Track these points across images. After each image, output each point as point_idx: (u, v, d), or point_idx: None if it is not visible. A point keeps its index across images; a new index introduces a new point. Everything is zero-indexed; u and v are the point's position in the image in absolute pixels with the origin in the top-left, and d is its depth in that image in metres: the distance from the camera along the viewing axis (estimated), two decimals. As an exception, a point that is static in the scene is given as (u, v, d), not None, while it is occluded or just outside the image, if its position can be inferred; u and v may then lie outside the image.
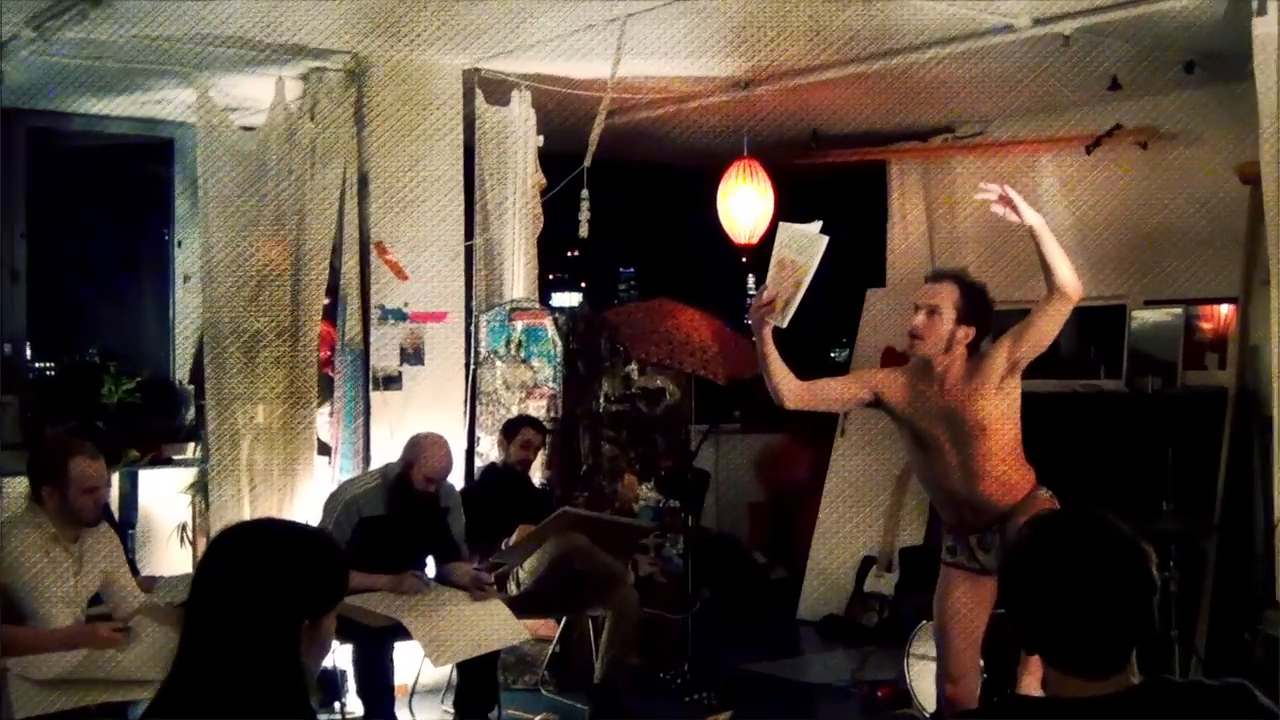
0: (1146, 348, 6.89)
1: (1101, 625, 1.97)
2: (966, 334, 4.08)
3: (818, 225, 3.91)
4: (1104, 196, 7.10)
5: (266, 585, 2.10)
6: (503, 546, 5.80)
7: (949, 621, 4.22)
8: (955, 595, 4.21)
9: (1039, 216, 3.95)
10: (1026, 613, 2.03)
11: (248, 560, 2.13)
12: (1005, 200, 3.96)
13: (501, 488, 6.14)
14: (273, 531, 2.28)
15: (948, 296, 4.09)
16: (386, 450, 6.08)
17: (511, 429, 6.24)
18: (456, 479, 6.10)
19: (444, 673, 5.65)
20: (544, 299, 7.49)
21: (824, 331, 9.84)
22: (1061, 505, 4.01)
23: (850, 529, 7.75)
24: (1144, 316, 6.95)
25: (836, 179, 8.42)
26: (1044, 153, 7.41)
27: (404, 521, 5.30)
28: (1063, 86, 6.60)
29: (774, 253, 3.98)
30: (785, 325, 3.95)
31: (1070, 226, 6.79)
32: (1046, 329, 3.98)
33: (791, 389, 4.13)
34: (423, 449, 5.35)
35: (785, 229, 3.99)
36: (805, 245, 3.90)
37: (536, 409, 6.76)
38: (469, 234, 6.67)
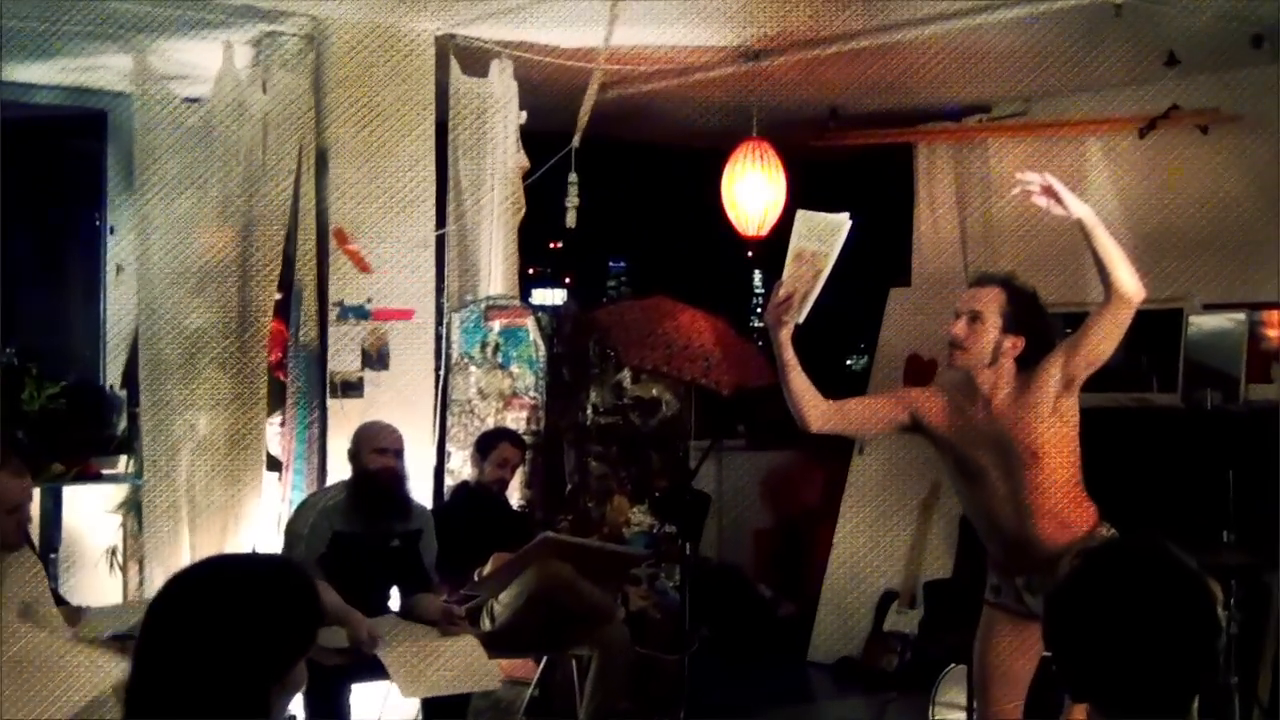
0: (1205, 358, 6.89)
1: (1159, 672, 1.97)
2: (1014, 345, 4.05)
3: (841, 217, 3.91)
4: (1158, 186, 7.11)
5: (231, 649, 2.01)
6: (476, 577, 5.79)
7: (990, 669, 4.21)
8: (998, 640, 4.20)
9: (1088, 208, 3.92)
10: (1075, 656, 2.03)
11: (205, 617, 2.04)
12: (1048, 190, 3.95)
13: (475, 510, 6.13)
14: (233, 576, 2.15)
15: (992, 302, 4.06)
16: (345, 466, 6.06)
17: (486, 444, 6.24)
18: (426, 499, 6.09)
19: (408, 716, 5.64)
20: (524, 296, 7.49)
21: (839, 336, 9.85)
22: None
23: (869, 560, 7.75)
24: (1202, 323, 6.95)
25: (857, 163, 8.43)
26: (1092, 136, 7.43)
27: (370, 538, 5.30)
28: (1113, 62, 6.61)
29: (791, 245, 3.97)
30: (802, 320, 3.94)
31: (1120, 220, 6.78)
32: (1105, 339, 3.95)
33: (817, 410, 4.09)
34: (362, 428, 5.50)
35: (805, 218, 3.98)
36: (827, 233, 3.89)
37: (515, 421, 6.75)
38: (440, 222, 6.66)
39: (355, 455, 5.45)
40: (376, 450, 5.37)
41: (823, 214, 3.93)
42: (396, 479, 5.42)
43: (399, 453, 5.45)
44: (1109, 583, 2.04)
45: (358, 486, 5.39)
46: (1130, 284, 3.87)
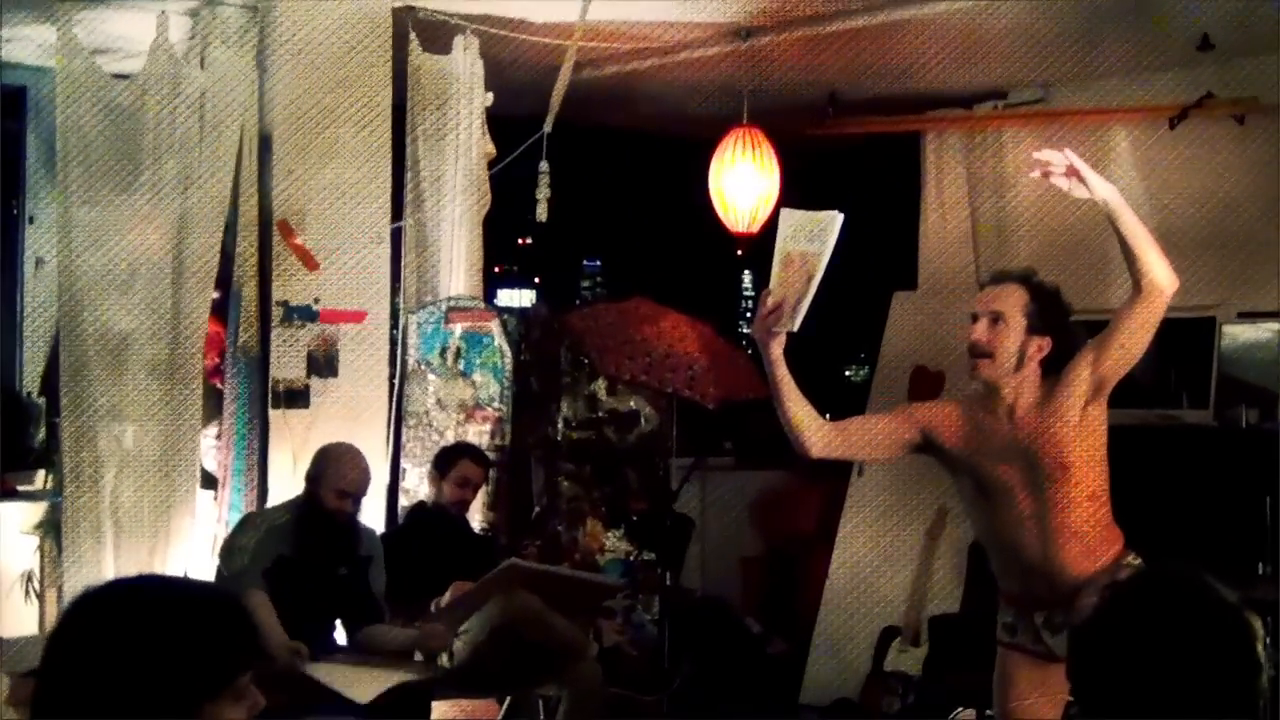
0: (1240, 371, 6.92)
1: (1195, 716, 1.97)
2: (1040, 347, 4.05)
3: (830, 213, 3.90)
4: (1190, 182, 7.13)
5: (143, 682, 1.98)
6: (432, 608, 5.77)
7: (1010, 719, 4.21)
8: (1018, 687, 4.18)
9: (1113, 188, 3.92)
10: (1103, 699, 2.03)
11: (115, 638, 2.00)
12: (1069, 170, 3.95)
13: (431, 534, 6.11)
14: (146, 598, 2.11)
15: (1014, 301, 4.06)
16: (288, 483, 6.04)
17: (446, 460, 6.22)
18: (377, 522, 6.07)
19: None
20: (489, 297, 7.48)
21: (836, 345, 9.86)
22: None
23: (869, 592, 7.75)
24: (1237, 333, 6.98)
25: (858, 154, 8.44)
26: (1117, 126, 7.45)
27: (314, 566, 5.28)
28: (1142, 45, 6.64)
29: (778, 248, 3.95)
30: (796, 329, 3.93)
31: (1148, 218, 6.76)
32: (1136, 335, 3.94)
33: (817, 434, 4.07)
34: (332, 458, 5.42)
35: (789, 218, 3.97)
36: (815, 232, 3.89)
37: (478, 435, 6.74)
38: (397, 215, 6.66)
39: (314, 482, 5.40)
40: (338, 491, 5.34)
41: (809, 212, 3.93)
42: (351, 524, 5.42)
43: (361, 498, 5.44)
44: (1141, 619, 2.04)
45: (307, 518, 5.36)
46: (1162, 272, 3.86)
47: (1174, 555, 2.47)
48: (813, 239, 3.89)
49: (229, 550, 5.42)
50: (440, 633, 5.38)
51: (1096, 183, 3.91)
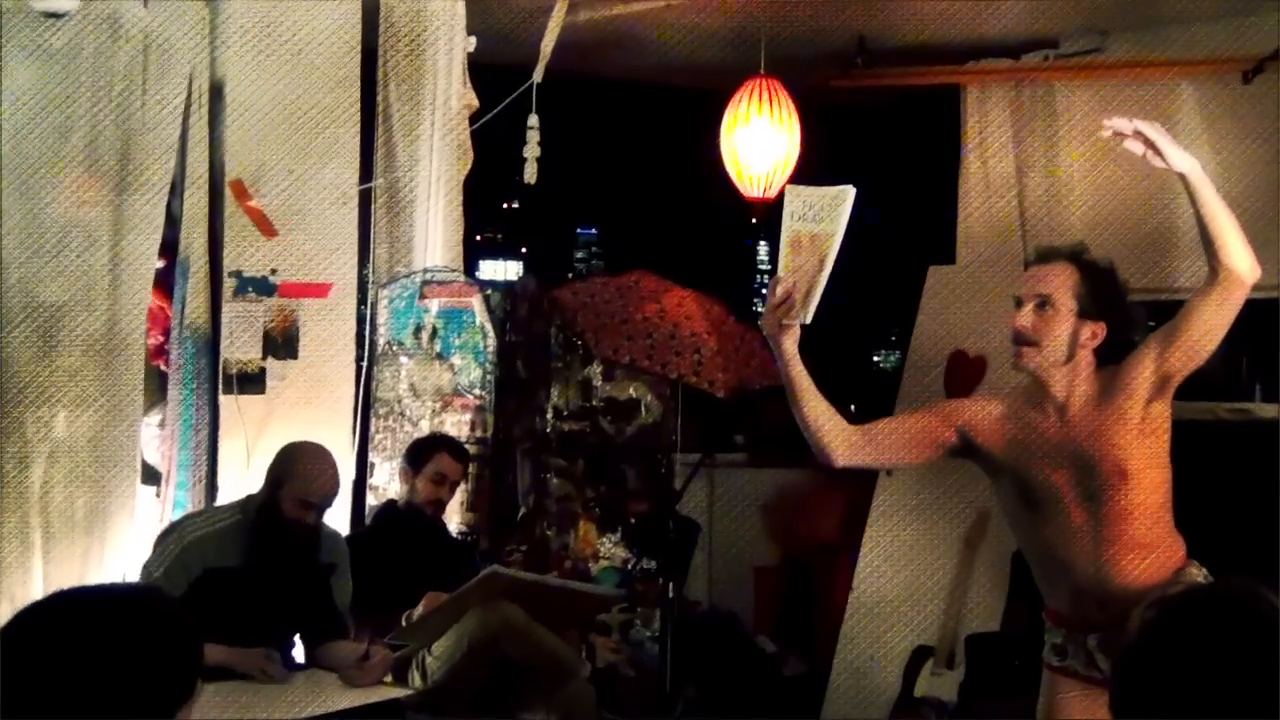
0: (1322, 360, 6.92)
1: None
2: (1094, 334, 4.04)
3: (841, 188, 3.90)
4: (1267, 144, 7.13)
5: (85, 703, 2.01)
6: (404, 621, 5.78)
7: None
8: (1067, 716, 4.20)
9: (1194, 161, 3.90)
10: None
11: (58, 657, 2.04)
12: (1143, 139, 3.94)
13: (403, 537, 6.12)
14: (91, 612, 2.15)
15: (1063, 282, 4.05)
16: (241, 479, 6.05)
17: (420, 454, 6.23)
18: (341, 523, 6.08)
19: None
20: (470, 269, 7.48)
21: (864, 327, 9.87)
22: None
23: (897, 607, 7.76)
24: (1319, 316, 6.98)
25: (890, 110, 8.43)
26: (1184, 80, 7.44)
27: (267, 578, 5.28)
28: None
29: (784, 231, 3.96)
30: (809, 320, 3.94)
31: (1217, 185, 6.80)
32: (1210, 329, 3.91)
33: (841, 439, 4.09)
34: (297, 459, 5.39)
35: (796, 195, 3.98)
36: (825, 209, 3.90)
37: (456, 425, 6.75)
38: (365, 174, 6.65)
39: (274, 485, 5.36)
40: (301, 500, 5.31)
41: (817, 187, 3.93)
42: (311, 540, 5.40)
43: (325, 507, 5.43)
44: (1191, 640, 2.04)
45: (262, 525, 5.33)
46: (1243, 259, 3.83)
47: (1243, 567, 2.47)
48: (822, 218, 3.90)
49: (148, 561, 5.38)
50: (379, 668, 5.34)
51: (1175, 154, 3.88)
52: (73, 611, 2.17)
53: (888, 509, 7.99)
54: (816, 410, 4.05)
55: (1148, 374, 3.98)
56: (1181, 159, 3.88)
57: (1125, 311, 4.10)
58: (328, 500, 5.41)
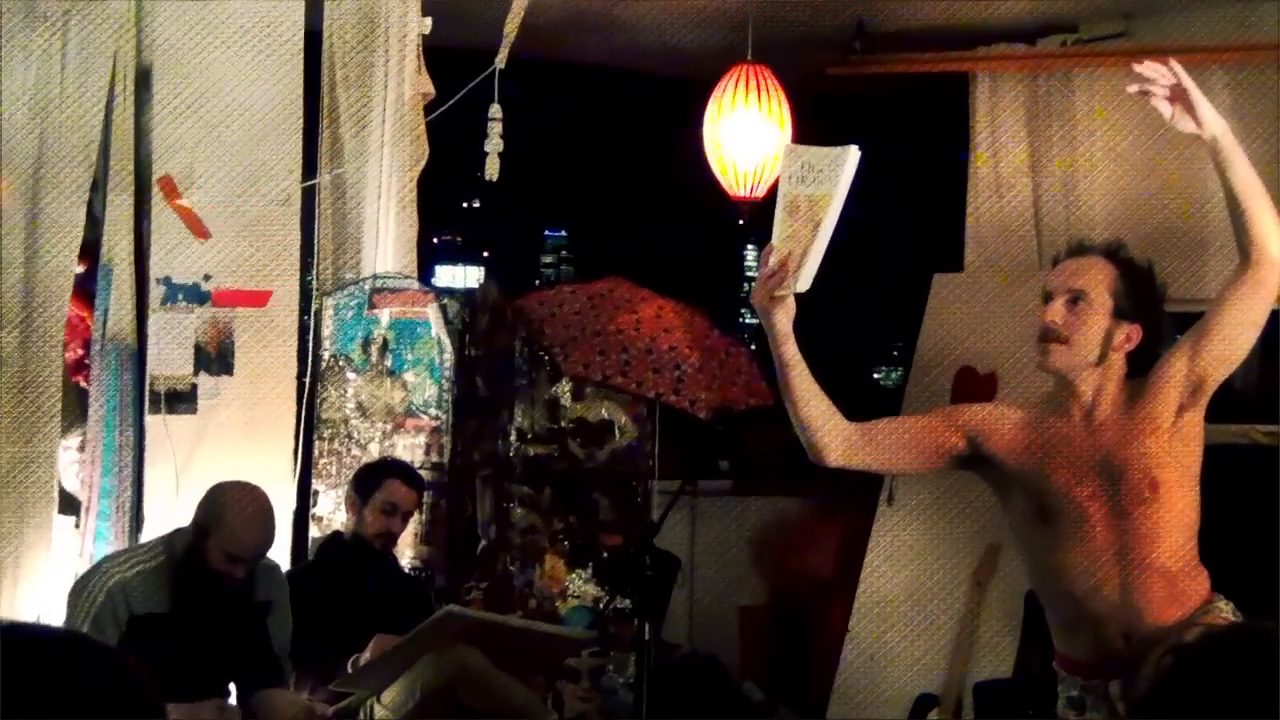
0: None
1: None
2: (1129, 336, 4.04)
3: (843, 148, 3.91)
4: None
5: None
6: (350, 667, 5.78)
7: None
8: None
9: (1225, 125, 3.90)
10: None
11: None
12: (1178, 94, 3.94)
13: (349, 573, 6.12)
14: (20, 653, 2.07)
15: (1099, 278, 4.06)
16: (170, 508, 6.04)
17: (368, 481, 6.22)
18: (282, 556, 6.06)
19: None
20: (425, 275, 7.48)
21: (863, 340, 9.90)
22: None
23: (899, 651, 7.77)
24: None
25: (890, 102, 8.46)
26: (1215, 67, 7.47)
27: (196, 623, 5.27)
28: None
29: (780, 193, 3.97)
30: (804, 288, 3.94)
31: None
32: (1245, 322, 3.93)
33: (837, 435, 4.08)
34: (224, 506, 5.33)
35: (795, 154, 3.99)
36: (824, 170, 3.91)
37: (410, 449, 6.75)
38: (309, 170, 6.66)
39: (201, 530, 5.32)
40: (228, 555, 5.28)
41: (817, 147, 3.94)
42: (241, 589, 5.37)
43: (255, 561, 5.40)
44: (1212, 690, 2.04)
45: (186, 572, 5.31)
46: (1277, 237, 3.83)
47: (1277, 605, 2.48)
48: (821, 180, 3.91)
49: (69, 616, 5.35)
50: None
51: (1208, 114, 3.87)
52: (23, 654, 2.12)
53: (888, 542, 8.01)
54: (810, 401, 4.03)
55: (1180, 378, 3.99)
56: (1214, 121, 3.87)
57: (1162, 316, 4.12)
58: (258, 556, 5.37)
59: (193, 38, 6.36)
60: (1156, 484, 4.00)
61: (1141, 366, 4.07)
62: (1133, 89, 4.01)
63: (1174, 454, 4.02)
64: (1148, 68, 3.93)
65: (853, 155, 3.85)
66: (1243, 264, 3.89)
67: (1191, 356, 3.98)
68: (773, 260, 3.90)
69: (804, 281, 3.88)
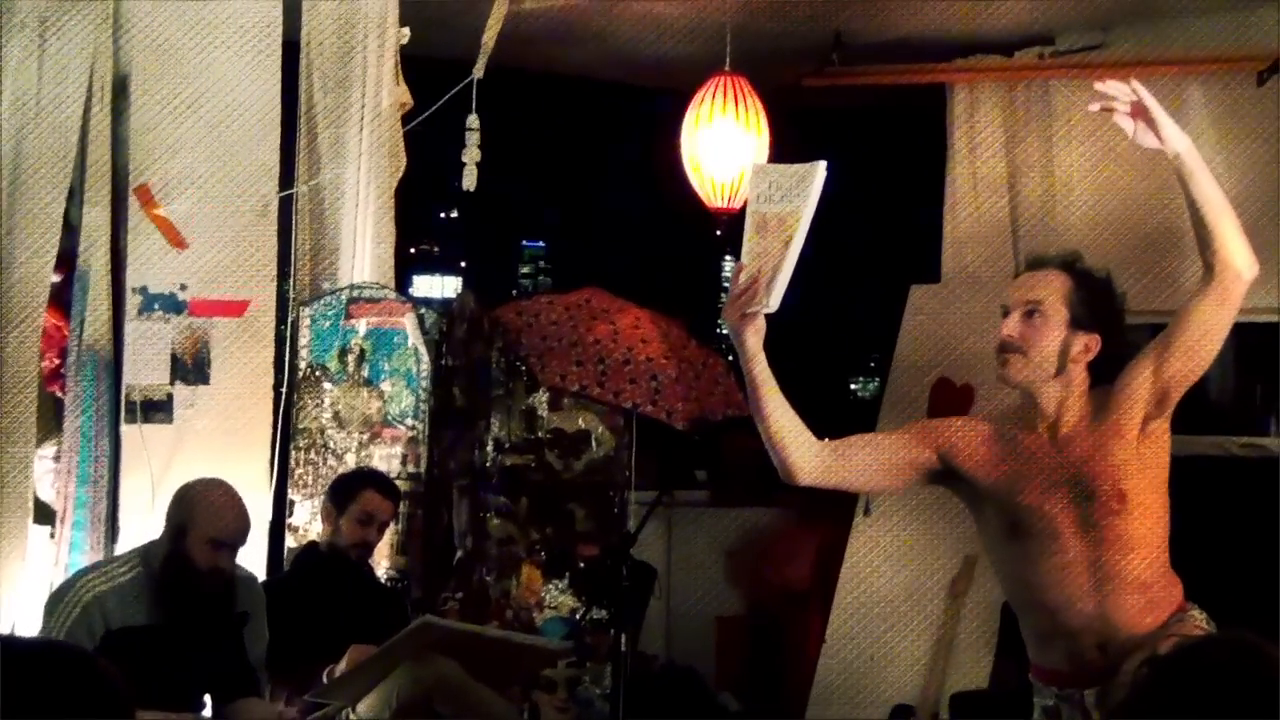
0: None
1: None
2: (1087, 346, 4.07)
3: (810, 164, 3.92)
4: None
5: None
6: (325, 678, 5.76)
7: None
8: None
9: (1189, 141, 3.94)
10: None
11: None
12: (1139, 110, 3.97)
13: (325, 583, 6.11)
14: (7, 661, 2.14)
15: (1055, 290, 4.09)
16: (146, 518, 6.02)
17: (345, 491, 6.19)
18: (258, 567, 6.05)
19: None
20: (403, 285, 7.48)
21: (839, 352, 9.90)
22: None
23: (875, 661, 7.77)
24: (1340, 341, 7.03)
25: (868, 113, 8.46)
26: (1192, 80, 7.49)
27: (173, 635, 5.25)
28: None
29: (749, 213, 3.99)
30: (774, 307, 3.95)
31: (1231, 193, 6.82)
32: (1208, 332, 3.96)
33: (807, 453, 4.08)
34: (199, 498, 5.34)
35: (762, 173, 4.01)
36: (792, 187, 3.92)
37: (386, 459, 6.74)
38: (287, 180, 6.65)
39: (178, 530, 5.29)
40: (211, 541, 5.26)
41: (784, 165, 3.95)
42: (226, 585, 5.34)
43: (238, 546, 5.39)
44: (1188, 700, 2.05)
45: (168, 577, 5.27)
46: (1240, 251, 3.87)
47: (1254, 615, 2.49)
48: (790, 196, 3.92)
49: (43, 631, 5.32)
50: None
51: (1170, 130, 3.91)
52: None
53: (865, 553, 8.01)
54: (781, 419, 4.03)
55: (1145, 387, 4.01)
56: (1177, 137, 3.92)
57: (1121, 325, 4.14)
58: (241, 538, 5.36)
59: (170, 47, 6.34)
60: (1125, 495, 4.02)
61: (1106, 374, 4.09)
62: (1094, 107, 4.06)
63: (1142, 465, 4.04)
64: (1109, 85, 3.98)
65: (820, 171, 3.86)
66: (1206, 275, 3.92)
67: (1156, 367, 4.00)
68: (743, 278, 3.91)
69: (774, 300, 3.89)
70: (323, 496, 6.34)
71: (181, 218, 6.35)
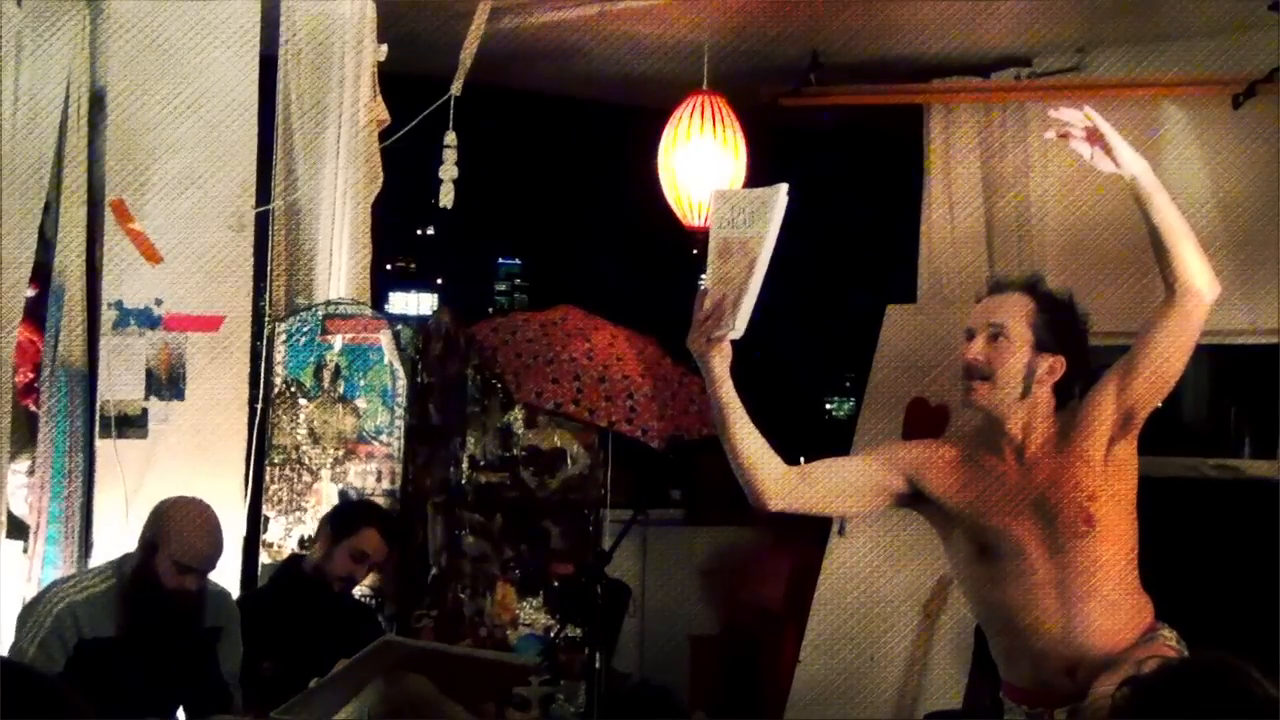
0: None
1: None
2: (1051, 368, 4.09)
3: (771, 188, 3.93)
4: (1259, 174, 7.19)
5: None
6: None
7: None
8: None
9: (1144, 164, 3.96)
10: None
11: None
12: (1093, 135, 4.00)
13: (303, 602, 6.07)
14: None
15: (1018, 312, 4.11)
16: (119, 532, 6.00)
17: (347, 522, 6.05)
18: (231, 583, 6.02)
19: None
20: (378, 301, 7.47)
21: (815, 371, 9.90)
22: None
23: (850, 681, 7.76)
24: (1314, 364, 7.04)
25: (845, 133, 8.47)
26: (1168, 103, 7.51)
27: (145, 647, 5.23)
28: (1202, 1, 6.69)
29: (711, 239, 4.00)
30: (739, 333, 3.95)
31: (1207, 216, 6.86)
32: (1168, 355, 3.98)
33: (775, 478, 4.07)
34: (172, 518, 5.31)
35: (721, 199, 4.03)
36: (754, 211, 3.93)
37: (361, 475, 6.72)
38: (263, 195, 6.64)
39: (149, 546, 5.28)
40: (179, 566, 5.24)
41: (746, 190, 3.97)
42: (194, 607, 5.33)
43: (206, 571, 5.37)
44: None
45: (135, 590, 5.27)
46: (1199, 272, 3.90)
47: (1230, 637, 2.49)
48: (752, 220, 3.93)
49: (15, 641, 5.31)
50: None
51: (1125, 154, 3.94)
52: None
53: (839, 574, 8.00)
54: (747, 443, 4.03)
55: (1109, 410, 4.04)
56: (1133, 160, 3.95)
57: (1083, 349, 4.15)
58: (209, 564, 5.34)
59: (146, 62, 6.33)
60: (1092, 518, 4.03)
61: (1072, 396, 4.11)
62: (1050, 134, 4.09)
63: (1108, 486, 4.06)
64: (1064, 112, 4.02)
65: (781, 195, 3.86)
66: (1167, 297, 3.95)
67: (1120, 389, 4.03)
68: (707, 304, 3.91)
69: (740, 324, 3.89)
70: (323, 522, 6.21)
71: (157, 232, 6.33)
